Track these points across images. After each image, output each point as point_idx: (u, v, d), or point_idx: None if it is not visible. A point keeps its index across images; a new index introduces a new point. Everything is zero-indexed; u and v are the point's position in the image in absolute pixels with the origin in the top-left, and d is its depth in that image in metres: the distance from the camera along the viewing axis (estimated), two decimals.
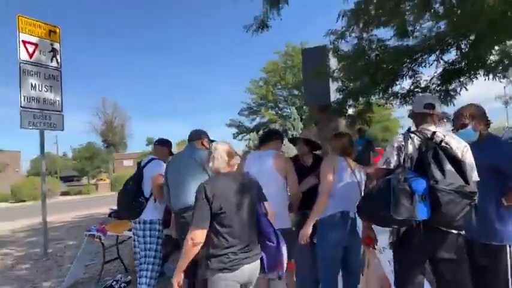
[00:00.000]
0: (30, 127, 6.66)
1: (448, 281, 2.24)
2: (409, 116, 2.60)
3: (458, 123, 2.67)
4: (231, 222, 2.24)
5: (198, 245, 2.20)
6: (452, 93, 6.55)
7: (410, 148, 2.28)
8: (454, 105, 6.82)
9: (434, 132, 2.30)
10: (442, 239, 2.18)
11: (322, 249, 2.82)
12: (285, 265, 2.41)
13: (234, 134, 33.96)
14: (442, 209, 2.00)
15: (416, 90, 6.69)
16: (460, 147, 2.28)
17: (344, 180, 2.86)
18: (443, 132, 2.35)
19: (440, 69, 6.26)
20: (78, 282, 4.92)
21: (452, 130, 2.73)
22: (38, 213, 7.73)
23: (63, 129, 7.19)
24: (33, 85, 6.74)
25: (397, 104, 7.55)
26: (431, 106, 2.44)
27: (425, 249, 2.24)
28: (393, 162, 2.29)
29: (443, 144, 2.24)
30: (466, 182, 2.08)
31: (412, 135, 2.34)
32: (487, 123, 2.62)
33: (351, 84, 6.99)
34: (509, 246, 2.40)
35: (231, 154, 2.43)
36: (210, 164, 2.45)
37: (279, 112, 33.12)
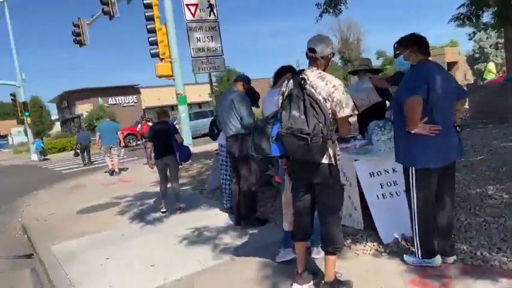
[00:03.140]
0: (201, 71, 8.77)
1: (320, 202, 2.67)
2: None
3: (394, 52, 2.92)
4: (156, 142, 5.61)
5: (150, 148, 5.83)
6: None
7: (286, 93, 2.60)
8: None
9: (302, 78, 2.49)
10: (311, 168, 2.54)
11: (280, 173, 3.41)
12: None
13: (469, 34, 28.67)
14: (286, 147, 2.44)
15: None
16: (327, 88, 2.47)
17: None
18: (314, 74, 2.53)
19: None
20: (215, 188, 6.73)
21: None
22: None
23: (225, 70, 8.98)
24: (198, 38, 8.68)
25: None
26: (313, 50, 2.58)
27: (299, 175, 2.68)
28: (279, 105, 2.66)
29: (307, 87, 2.46)
30: (308, 124, 2.34)
31: (291, 80, 2.61)
32: (425, 53, 2.77)
33: None
34: (412, 168, 2.77)
35: (160, 114, 5.81)
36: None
37: None
